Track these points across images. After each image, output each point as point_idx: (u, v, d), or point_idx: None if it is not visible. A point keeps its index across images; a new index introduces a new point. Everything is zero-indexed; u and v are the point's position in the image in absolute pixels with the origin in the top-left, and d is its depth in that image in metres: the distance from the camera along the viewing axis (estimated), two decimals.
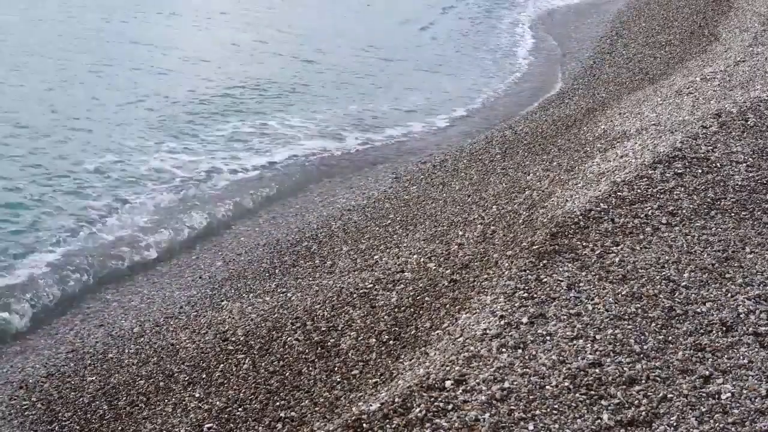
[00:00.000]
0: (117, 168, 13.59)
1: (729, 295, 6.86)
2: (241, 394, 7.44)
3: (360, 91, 18.71)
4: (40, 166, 13.38)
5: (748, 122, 10.66)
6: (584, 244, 7.70)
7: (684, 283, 6.99)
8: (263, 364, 7.81)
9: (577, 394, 5.63)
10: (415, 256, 9.29)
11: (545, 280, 7.08)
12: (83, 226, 11.69)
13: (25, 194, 12.43)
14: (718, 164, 9.35)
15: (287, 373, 7.53)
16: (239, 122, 16.17)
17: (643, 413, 5.47)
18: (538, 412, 5.48)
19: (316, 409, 6.86)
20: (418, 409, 5.56)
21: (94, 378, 8.43)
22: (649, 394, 5.64)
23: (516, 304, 6.73)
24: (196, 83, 18.21)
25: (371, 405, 5.78)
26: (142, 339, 9.08)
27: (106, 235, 11.59)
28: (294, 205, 13.18)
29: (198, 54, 20.60)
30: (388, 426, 5.49)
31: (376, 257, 9.80)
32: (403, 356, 7.06)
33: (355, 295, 8.58)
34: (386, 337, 7.54)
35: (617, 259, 7.38)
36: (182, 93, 17.45)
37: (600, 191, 8.89)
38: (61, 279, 10.53)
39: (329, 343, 7.79)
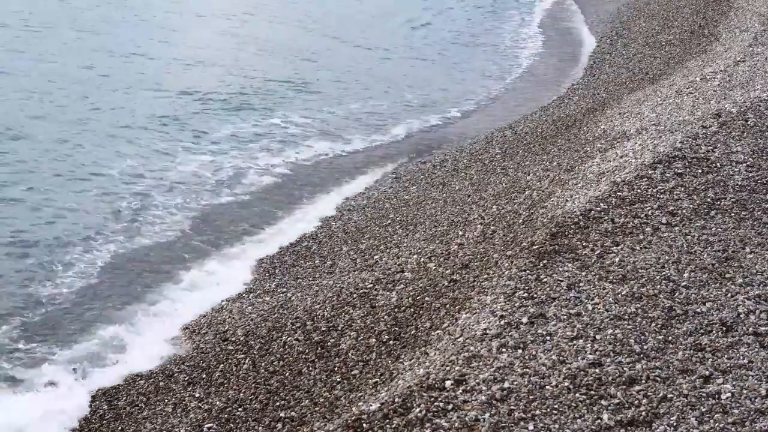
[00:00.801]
0: (144, 172, 13.40)
1: (729, 295, 6.86)
2: (241, 394, 7.44)
3: (369, 89, 18.68)
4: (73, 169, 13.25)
5: (748, 122, 10.67)
6: (584, 244, 7.70)
7: (684, 283, 6.99)
8: (263, 364, 7.81)
9: (577, 394, 5.63)
10: (415, 256, 9.29)
11: (545, 280, 7.08)
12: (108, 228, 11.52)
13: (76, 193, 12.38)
14: (718, 164, 9.36)
15: (287, 373, 7.53)
16: (243, 121, 16.11)
17: (643, 413, 5.47)
18: (538, 412, 5.48)
19: (316, 409, 6.87)
20: (418, 409, 5.57)
21: None
22: (649, 394, 5.64)
23: (516, 304, 6.73)
24: (198, 82, 18.17)
25: (371, 405, 5.78)
26: None
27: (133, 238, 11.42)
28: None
29: (198, 52, 20.55)
30: (388, 426, 5.50)
31: (376, 257, 9.80)
32: (403, 356, 7.06)
33: (355, 295, 8.58)
34: (386, 337, 7.55)
35: (617, 259, 7.38)
36: (187, 91, 17.39)
37: (600, 191, 8.89)
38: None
39: (329, 343, 7.79)
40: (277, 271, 10.27)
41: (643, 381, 5.76)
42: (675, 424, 5.38)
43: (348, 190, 13.30)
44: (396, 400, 5.72)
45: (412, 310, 7.86)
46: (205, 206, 12.45)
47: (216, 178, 13.48)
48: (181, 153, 14.33)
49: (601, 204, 8.49)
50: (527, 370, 5.86)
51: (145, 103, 16.56)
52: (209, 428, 7.12)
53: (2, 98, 16.00)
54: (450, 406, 5.56)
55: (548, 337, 6.25)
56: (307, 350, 7.79)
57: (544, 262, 7.39)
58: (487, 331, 6.39)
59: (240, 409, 7.25)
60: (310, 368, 7.50)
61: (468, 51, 23.09)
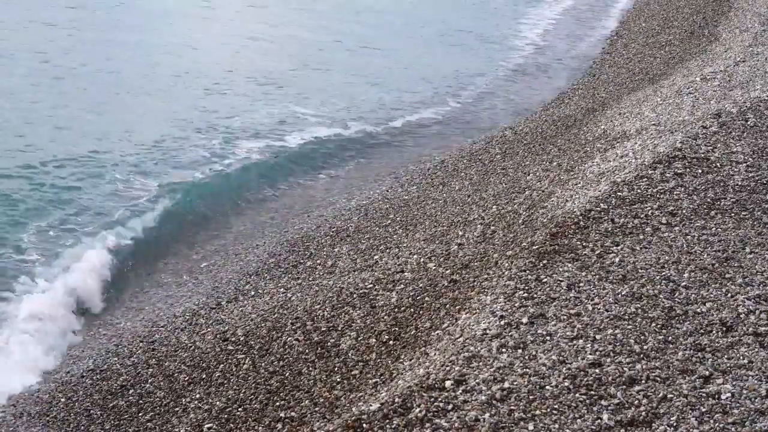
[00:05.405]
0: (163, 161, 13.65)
1: (729, 295, 6.86)
2: (241, 394, 7.44)
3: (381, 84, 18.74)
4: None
5: (748, 122, 10.67)
6: (584, 244, 7.70)
7: (684, 283, 6.99)
8: (263, 364, 7.81)
9: (577, 394, 5.63)
10: (415, 256, 9.29)
11: (545, 280, 7.08)
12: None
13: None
14: (718, 164, 9.35)
15: (287, 373, 7.53)
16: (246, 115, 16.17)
17: (643, 413, 5.47)
18: (538, 412, 5.48)
19: (316, 409, 6.87)
20: (418, 409, 5.56)
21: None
22: (649, 394, 5.64)
23: (516, 304, 6.73)
24: (203, 79, 18.18)
25: (371, 405, 5.78)
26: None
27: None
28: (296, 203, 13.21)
29: (196, 50, 20.52)
30: (388, 426, 5.49)
31: (376, 257, 9.80)
32: (403, 356, 7.06)
33: (355, 295, 8.58)
34: (386, 337, 7.54)
35: (617, 259, 7.38)
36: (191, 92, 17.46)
37: (600, 191, 8.89)
38: None
39: (329, 343, 7.79)
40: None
41: (643, 381, 5.76)
42: (675, 424, 5.38)
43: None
44: (396, 400, 5.72)
45: (412, 310, 7.86)
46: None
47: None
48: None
49: (601, 204, 8.49)
50: (527, 370, 5.86)
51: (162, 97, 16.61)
52: (209, 428, 7.12)
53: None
54: (450, 406, 5.56)
55: (548, 337, 6.25)
56: (307, 350, 7.79)
57: (544, 262, 7.39)
58: (487, 331, 6.39)
59: (240, 409, 7.25)
60: (310, 368, 7.50)
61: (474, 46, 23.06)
